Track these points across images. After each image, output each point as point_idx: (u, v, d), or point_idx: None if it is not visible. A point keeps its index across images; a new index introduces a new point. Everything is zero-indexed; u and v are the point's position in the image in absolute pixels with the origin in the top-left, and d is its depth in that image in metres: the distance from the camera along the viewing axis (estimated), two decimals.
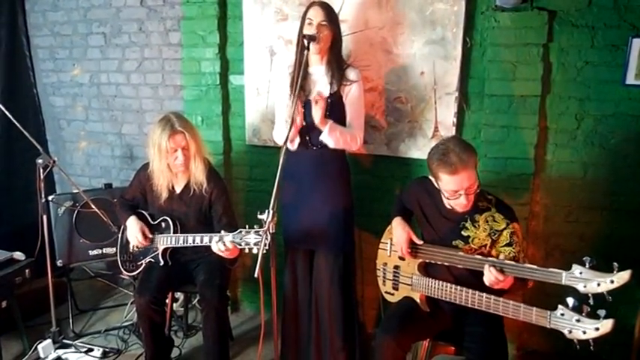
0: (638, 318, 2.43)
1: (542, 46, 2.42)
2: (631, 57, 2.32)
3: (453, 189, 1.94)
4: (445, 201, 2.07)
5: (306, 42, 2.25)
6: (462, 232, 2.06)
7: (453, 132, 2.64)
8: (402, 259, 2.28)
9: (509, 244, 2.01)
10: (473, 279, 2.02)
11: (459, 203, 1.98)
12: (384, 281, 2.38)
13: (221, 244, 2.31)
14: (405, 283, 2.25)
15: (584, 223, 2.58)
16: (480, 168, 2.59)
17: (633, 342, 2.46)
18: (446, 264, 2.08)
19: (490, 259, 1.94)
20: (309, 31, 2.30)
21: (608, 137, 2.46)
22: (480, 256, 1.98)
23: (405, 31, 2.64)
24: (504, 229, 2.02)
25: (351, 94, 2.40)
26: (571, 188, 2.57)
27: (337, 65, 2.38)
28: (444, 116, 2.66)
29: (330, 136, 2.33)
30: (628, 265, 1.65)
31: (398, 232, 2.22)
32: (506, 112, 2.53)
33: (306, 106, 2.40)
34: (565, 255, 2.61)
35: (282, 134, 2.35)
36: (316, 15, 2.31)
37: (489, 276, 1.88)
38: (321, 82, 2.41)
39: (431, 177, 2.05)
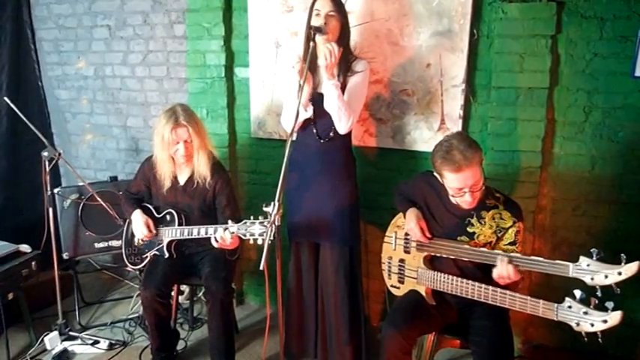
0: None
1: (551, 38, 2.39)
2: None
3: (458, 187, 1.93)
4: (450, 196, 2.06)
5: (312, 34, 2.22)
6: (468, 229, 2.05)
7: (459, 124, 2.62)
8: (407, 252, 2.27)
9: (512, 243, 2.01)
10: (478, 272, 2.02)
11: (463, 201, 1.98)
12: (389, 275, 2.38)
13: (219, 234, 2.30)
14: (410, 277, 2.24)
15: (592, 216, 2.56)
16: (486, 161, 2.58)
17: None
18: (452, 257, 2.07)
19: (499, 252, 1.93)
20: (316, 22, 2.27)
21: (616, 130, 2.44)
22: (486, 249, 1.97)
23: (412, 23, 2.61)
24: (510, 227, 2.01)
25: (354, 81, 2.34)
26: (579, 181, 2.54)
27: (344, 57, 2.34)
28: (450, 109, 2.64)
29: (332, 89, 2.25)
30: (636, 259, 1.64)
31: (411, 217, 2.17)
32: (514, 104, 2.50)
33: (314, 98, 2.38)
34: (572, 248, 2.59)
35: (290, 121, 2.29)
36: (324, 5, 2.28)
37: (502, 270, 1.86)
38: None
39: (435, 173, 2.04)
